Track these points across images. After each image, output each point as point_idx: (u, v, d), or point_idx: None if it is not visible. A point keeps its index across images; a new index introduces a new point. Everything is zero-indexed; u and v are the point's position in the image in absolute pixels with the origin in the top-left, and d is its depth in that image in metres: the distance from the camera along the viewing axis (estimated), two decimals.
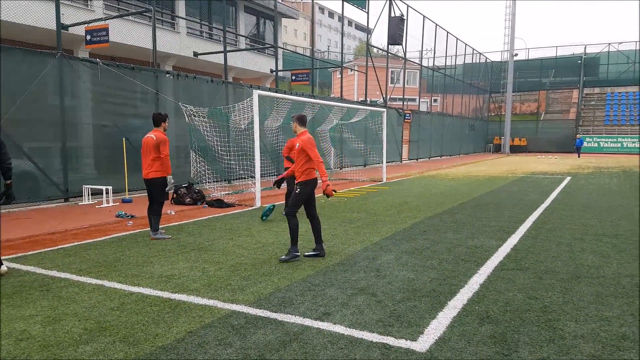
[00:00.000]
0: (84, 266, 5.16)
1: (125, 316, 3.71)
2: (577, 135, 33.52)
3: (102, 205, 9.61)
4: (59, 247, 6.10)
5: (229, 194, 11.30)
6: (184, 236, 6.72)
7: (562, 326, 3.49)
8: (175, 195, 10.08)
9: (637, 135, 35.90)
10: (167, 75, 12.39)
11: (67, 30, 11.26)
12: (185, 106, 11.55)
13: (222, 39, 16.75)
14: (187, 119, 11.58)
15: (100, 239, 6.59)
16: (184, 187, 10.23)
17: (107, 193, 9.84)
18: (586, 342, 3.22)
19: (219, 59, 18.03)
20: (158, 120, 6.53)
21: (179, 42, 17.97)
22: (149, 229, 6.62)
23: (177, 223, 7.80)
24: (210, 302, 3.99)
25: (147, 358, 3.01)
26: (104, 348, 3.16)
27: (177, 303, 3.98)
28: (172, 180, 6.58)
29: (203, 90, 13.19)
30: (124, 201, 10.21)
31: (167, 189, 6.52)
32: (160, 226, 6.74)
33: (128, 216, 8.34)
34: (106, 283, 4.55)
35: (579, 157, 31.12)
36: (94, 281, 4.62)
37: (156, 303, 3.99)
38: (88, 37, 11.47)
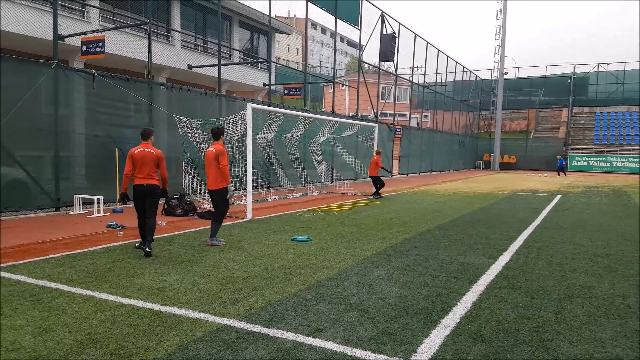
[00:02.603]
0: (75, 276, 5.08)
1: (116, 328, 3.65)
2: (558, 156, 33.63)
3: (93, 215, 9.51)
4: (50, 256, 6.02)
5: None
6: (174, 248, 6.66)
7: (556, 347, 3.50)
8: (166, 206, 10.02)
9: (628, 155, 36.52)
10: (161, 87, 12.40)
11: (64, 40, 11.26)
12: (178, 118, 11.55)
13: (216, 52, 16.85)
14: (180, 130, 11.57)
15: (91, 249, 6.51)
16: (175, 198, 10.17)
17: (98, 203, 9.74)
18: None
19: (212, 71, 18.10)
20: (217, 134, 6.94)
21: (173, 54, 18.03)
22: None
23: (167, 234, 7.74)
24: (201, 316, 3.94)
25: None
26: None
27: (168, 316, 3.94)
28: (233, 188, 6.95)
29: (196, 102, 13.22)
30: (114, 211, 10.11)
31: (228, 196, 6.88)
32: (152, 237, 6.68)
33: (119, 226, 8.25)
34: (97, 294, 4.49)
35: (565, 175, 31.13)
36: (84, 292, 4.55)
37: (147, 315, 3.94)
38: (84, 48, 11.46)
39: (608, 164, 37.05)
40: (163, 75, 18.22)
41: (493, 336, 3.66)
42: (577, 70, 42.03)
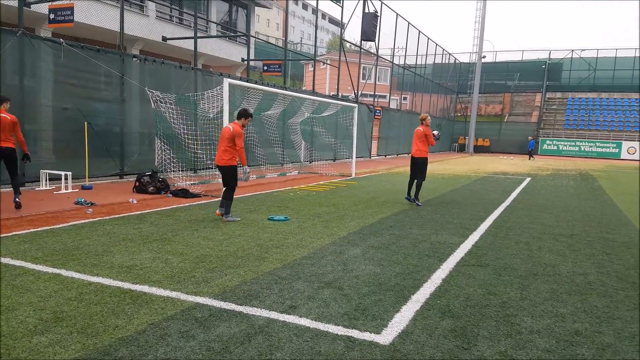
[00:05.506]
0: (40, 254, 4.94)
1: (84, 307, 3.58)
2: (529, 138, 34.06)
3: (60, 192, 9.24)
4: (13, 233, 5.83)
5: (194, 184, 11.09)
6: (146, 226, 6.55)
7: (519, 321, 3.62)
8: (137, 184, 9.81)
9: (595, 140, 37.65)
10: (134, 59, 11.99)
11: (30, 7, 10.70)
12: (151, 91, 11.22)
13: (192, 24, 16.35)
14: (152, 104, 11.26)
15: (58, 226, 6.34)
16: (148, 175, 9.96)
17: (65, 179, 9.46)
18: (541, 337, 3.36)
19: (188, 44, 17.58)
20: (241, 115, 7.21)
21: (147, 25, 17.40)
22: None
23: (139, 212, 7.60)
24: (173, 294, 3.91)
25: (105, 350, 2.92)
26: (60, 339, 3.04)
27: (138, 294, 3.88)
28: (248, 170, 7.30)
29: (171, 76, 12.85)
30: (83, 188, 9.85)
31: (244, 178, 7.33)
32: (122, 215, 6.57)
33: (88, 203, 8.05)
34: (63, 272, 4.38)
35: (532, 158, 30.93)
36: (50, 270, 4.44)
37: (116, 294, 3.87)
38: (52, 16, 10.92)
39: (577, 149, 38.17)
40: (136, 46, 17.61)
41: (461, 311, 3.76)
42: (552, 56, 42.76)
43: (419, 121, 9.51)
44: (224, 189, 7.18)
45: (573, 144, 38.34)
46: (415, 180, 9.42)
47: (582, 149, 37.94)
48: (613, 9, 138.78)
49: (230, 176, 7.13)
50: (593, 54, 41.22)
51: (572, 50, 41.69)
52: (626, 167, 26.24)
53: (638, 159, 35.49)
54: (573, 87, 42.67)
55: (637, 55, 39.89)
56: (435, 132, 9.46)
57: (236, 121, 7.16)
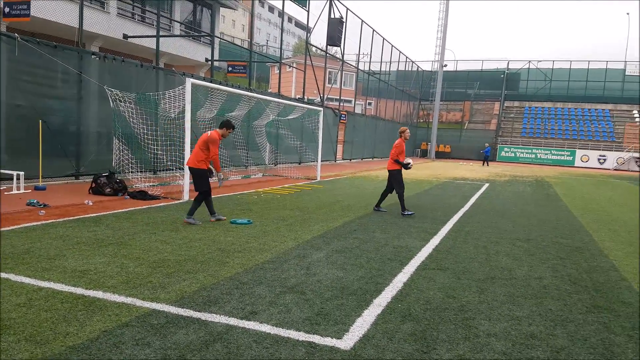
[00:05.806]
0: None
1: (33, 313, 3.39)
2: (486, 144, 35.03)
3: (11, 192, 8.76)
4: None
5: (153, 185, 10.78)
6: (101, 229, 6.29)
7: (477, 324, 3.70)
8: (94, 185, 9.44)
9: (551, 148, 39.40)
10: (93, 56, 11.56)
11: None
12: (110, 90, 10.85)
13: (155, 22, 15.95)
14: (111, 103, 10.88)
15: (8, 228, 5.99)
16: (104, 176, 9.61)
17: (17, 179, 8.98)
18: (498, 340, 3.44)
19: (150, 43, 17.13)
20: (223, 125, 7.18)
21: (107, 22, 16.82)
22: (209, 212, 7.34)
23: (94, 215, 7.30)
24: (128, 300, 3.76)
25: (55, 358, 2.77)
26: (6, 347, 2.87)
27: (92, 300, 3.72)
28: (222, 176, 7.38)
29: (131, 74, 12.47)
30: (36, 188, 9.38)
31: (218, 184, 7.42)
32: (77, 217, 6.29)
33: (40, 205, 7.67)
34: (12, 277, 4.14)
35: (487, 164, 31.68)
36: None
37: (68, 300, 3.69)
38: (6, 10, 10.34)
39: (533, 156, 39.82)
40: (95, 44, 16.98)
41: (421, 315, 3.81)
42: (510, 66, 44.53)
43: (400, 134, 9.08)
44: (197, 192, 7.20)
45: (530, 151, 39.97)
46: (395, 192, 9.06)
47: (538, 157, 39.61)
48: (568, 23, 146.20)
49: (198, 179, 7.07)
50: (549, 65, 43.26)
51: (529, 61, 43.58)
52: (580, 175, 27.58)
53: (593, 166, 37.40)
54: (530, 97, 44.57)
55: (589, 67, 42.16)
56: (410, 163, 9.17)
57: (217, 129, 7.17)
